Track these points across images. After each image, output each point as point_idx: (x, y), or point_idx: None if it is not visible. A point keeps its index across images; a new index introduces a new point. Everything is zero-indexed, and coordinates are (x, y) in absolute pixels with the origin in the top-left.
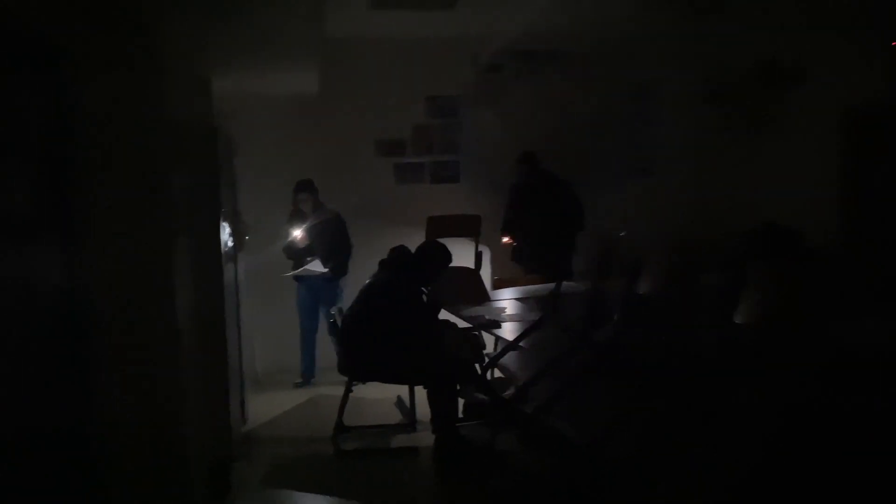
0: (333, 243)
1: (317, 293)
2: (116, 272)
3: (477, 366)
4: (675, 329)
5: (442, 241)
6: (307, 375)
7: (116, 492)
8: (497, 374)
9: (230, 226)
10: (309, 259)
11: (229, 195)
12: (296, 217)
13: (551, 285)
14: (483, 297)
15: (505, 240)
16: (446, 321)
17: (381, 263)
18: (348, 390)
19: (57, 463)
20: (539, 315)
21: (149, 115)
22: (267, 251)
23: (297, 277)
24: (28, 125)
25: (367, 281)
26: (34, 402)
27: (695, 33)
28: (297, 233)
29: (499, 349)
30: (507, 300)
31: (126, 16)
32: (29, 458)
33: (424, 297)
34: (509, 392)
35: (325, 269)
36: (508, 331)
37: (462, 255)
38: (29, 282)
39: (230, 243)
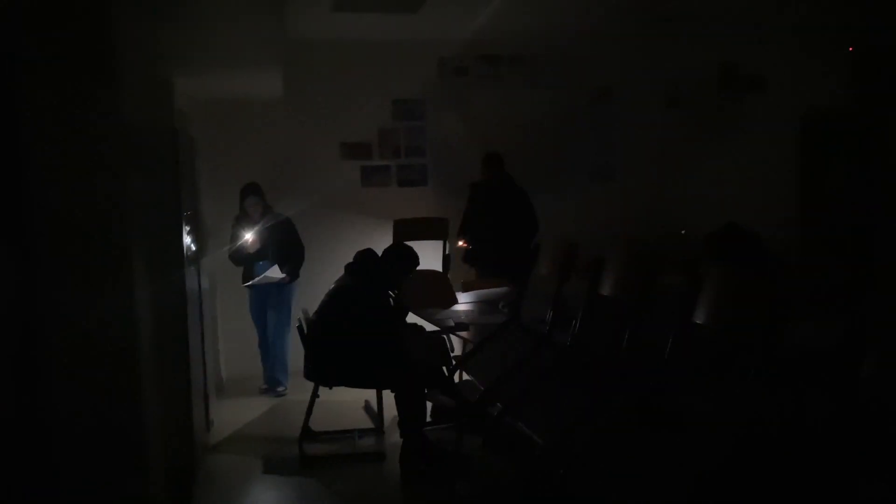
0: (286, 246)
1: (267, 298)
2: (74, 276)
3: (444, 369)
4: (635, 330)
5: (409, 243)
6: (271, 380)
7: (74, 499)
8: (465, 376)
9: (193, 229)
10: (261, 263)
11: (191, 198)
12: (243, 221)
13: (517, 288)
14: (451, 300)
15: (460, 243)
16: (414, 324)
17: (348, 267)
18: (315, 395)
19: (11, 471)
20: (505, 317)
21: (107, 117)
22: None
23: (247, 284)
24: None
25: (333, 285)
26: None
27: (656, 38)
28: (248, 236)
29: (466, 352)
30: (474, 303)
31: (84, 17)
32: None
33: (392, 301)
34: (476, 395)
35: (284, 275)
36: (475, 333)
37: (430, 258)
38: None
39: (193, 247)
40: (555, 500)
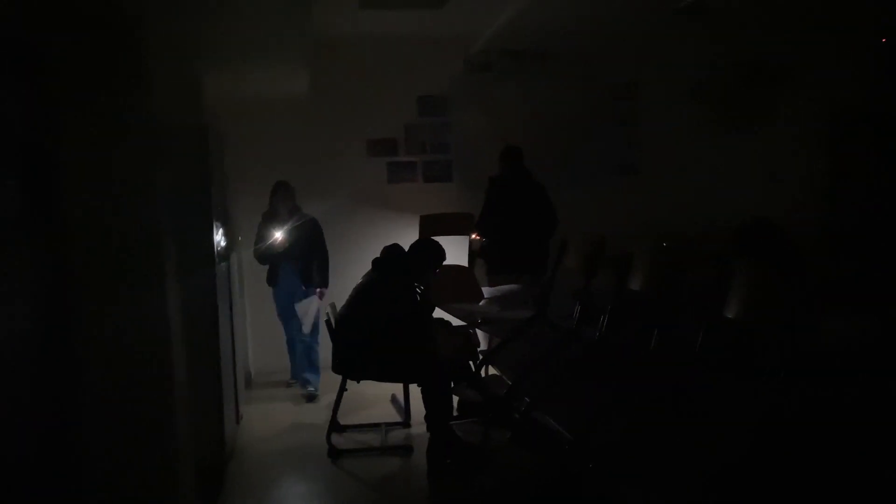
0: (313, 247)
1: (293, 299)
2: (106, 272)
3: (471, 363)
4: (663, 325)
5: (435, 239)
6: (300, 380)
7: (103, 492)
8: (491, 371)
9: (222, 225)
10: (285, 264)
11: (220, 195)
12: (271, 220)
13: (543, 283)
14: (477, 295)
15: (473, 236)
16: (440, 319)
17: (375, 262)
18: (343, 389)
19: (41, 464)
20: (531, 312)
21: (137, 115)
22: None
23: (273, 283)
24: (13, 128)
25: (361, 280)
26: (20, 402)
27: (681, 31)
28: (278, 235)
29: (493, 346)
30: (499, 297)
31: (112, 16)
32: (14, 459)
33: (418, 296)
34: (503, 389)
35: (319, 290)
36: (501, 328)
37: (455, 253)
38: (15, 283)
39: (223, 243)
40: (582, 494)
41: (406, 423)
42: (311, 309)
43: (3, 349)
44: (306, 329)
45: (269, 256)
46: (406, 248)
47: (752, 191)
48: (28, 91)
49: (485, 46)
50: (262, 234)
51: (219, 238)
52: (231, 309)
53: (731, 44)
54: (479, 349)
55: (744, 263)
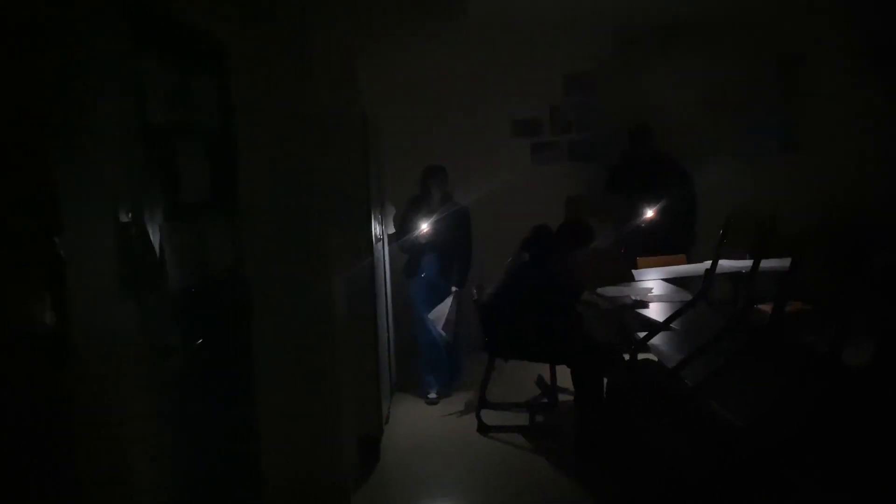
0: (458, 242)
1: (433, 292)
2: (275, 254)
3: (624, 347)
4: (840, 313)
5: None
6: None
7: (279, 460)
8: (646, 355)
9: (379, 212)
10: (428, 256)
11: (376, 182)
12: (420, 205)
13: (697, 265)
14: (627, 277)
15: (650, 213)
16: (590, 301)
17: (523, 242)
18: (491, 367)
19: (228, 434)
20: (688, 295)
21: (303, 103)
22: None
23: (412, 275)
24: (201, 117)
25: (510, 259)
26: (206, 373)
27: None
28: (425, 226)
29: (644, 330)
30: (652, 280)
31: (281, 9)
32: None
33: (567, 277)
34: (660, 375)
35: (454, 289)
36: (656, 311)
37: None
38: (205, 260)
39: (379, 229)
40: (750, 486)
41: (553, 403)
42: (444, 311)
43: (192, 323)
44: (441, 331)
45: (413, 247)
46: (554, 230)
47: None
48: (212, 83)
49: (634, 21)
50: (407, 221)
51: (376, 225)
52: (386, 290)
53: None
54: (631, 333)
55: None
